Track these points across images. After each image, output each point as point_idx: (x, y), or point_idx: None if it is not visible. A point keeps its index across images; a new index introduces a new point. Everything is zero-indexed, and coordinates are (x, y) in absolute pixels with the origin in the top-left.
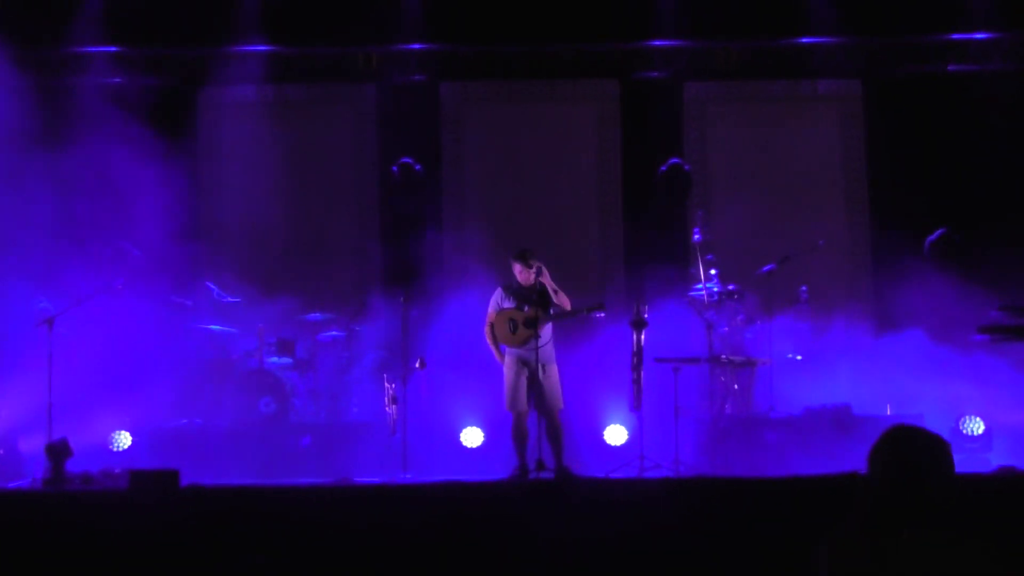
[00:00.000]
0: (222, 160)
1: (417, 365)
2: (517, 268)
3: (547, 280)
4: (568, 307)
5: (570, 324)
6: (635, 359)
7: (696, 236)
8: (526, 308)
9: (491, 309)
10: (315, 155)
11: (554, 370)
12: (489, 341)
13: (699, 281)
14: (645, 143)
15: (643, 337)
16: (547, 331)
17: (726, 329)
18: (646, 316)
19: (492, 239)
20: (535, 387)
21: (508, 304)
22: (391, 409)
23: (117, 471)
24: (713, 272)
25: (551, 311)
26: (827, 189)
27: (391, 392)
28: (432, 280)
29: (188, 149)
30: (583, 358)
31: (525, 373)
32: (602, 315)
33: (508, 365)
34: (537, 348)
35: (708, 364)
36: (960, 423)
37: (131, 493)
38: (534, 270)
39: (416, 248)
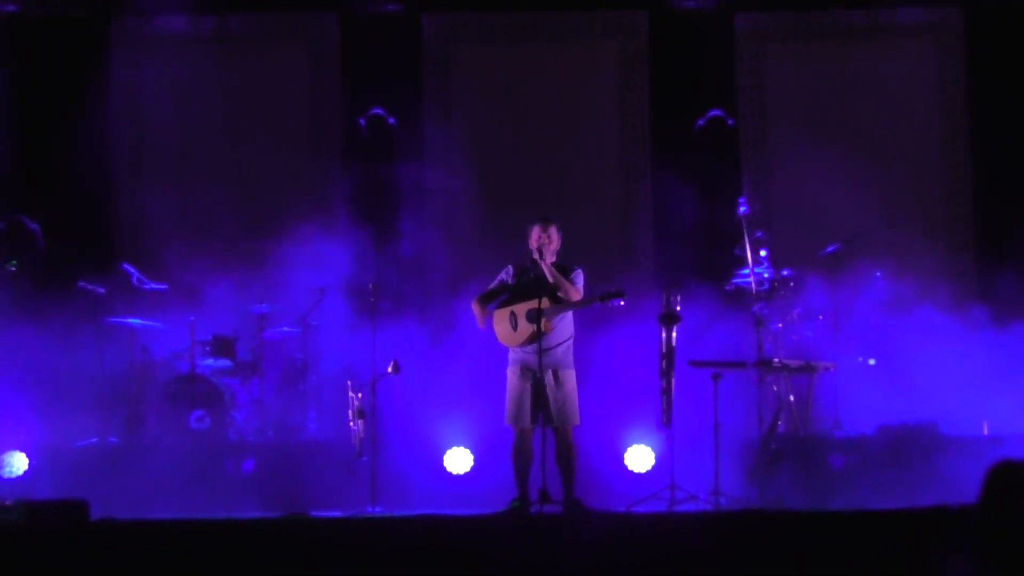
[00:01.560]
0: (142, 109)
1: (389, 369)
2: (535, 235)
3: (547, 266)
4: (575, 297)
5: (583, 318)
6: (664, 363)
7: (743, 208)
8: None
9: (495, 285)
10: (262, 104)
11: (570, 377)
12: (475, 309)
13: (746, 265)
14: (681, 90)
15: (675, 335)
16: (562, 327)
17: (780, 325)
18: (679, 309)
19: (487, 211)
20: (544, 397)
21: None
22: (357, 425)
23: (8, 502)
24: (764, 253)
25: (559, 302)
26: (915, 147)
27: (357, 403)
28: (410, 264)
29: (99, 95)
30: (599, 361)
31: (530, 381)
32: (621, 304)
33: (511, 370)
34: (542, 350)
35: (757, 370)
36: None
37: (27, 529)
38: (546, 237)
39: (390, 223)
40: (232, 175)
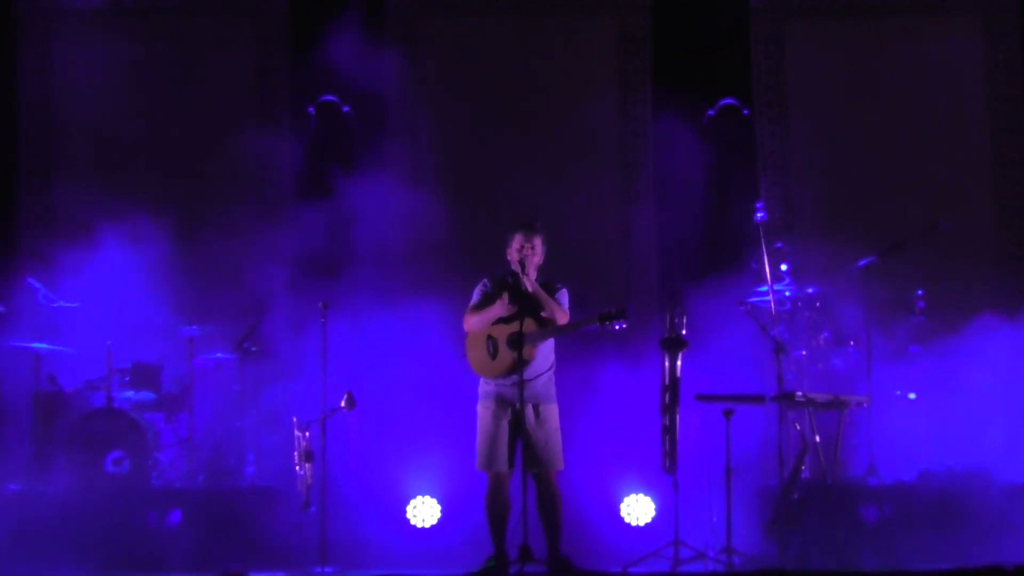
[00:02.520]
0: (54, 93)
1: (343, 404)
2: (516, 244)
3: (530, 282)
4: (561, 321)
5: (569, 344)
6: (667, 397)
7: (760, 214)
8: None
9: (473, 300)
10: (197, 89)
11: (553, 413)
12: (474, 317)
13: (764, 281)
14: (688, 74)
15: (680, 364)
16: (543, 356)
17: (804, 353)
18: (684, 332)
19: (460, 215)
20: (522, 437)
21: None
22: (304, 469)
23: None
24: (785, 267)
25: (544, 326)
26: (962, 142)
27: (304, 444)
28: (367, 276)
29: (4, 78)
30: (590, 395)
31: (507, 417)
32: (622, 327)
33: (484, 406)
34: (523, 381)
35: (777, 405)
36: None
37: None
38: (530, 248)
39: (344, 228)
40: (160, 168)
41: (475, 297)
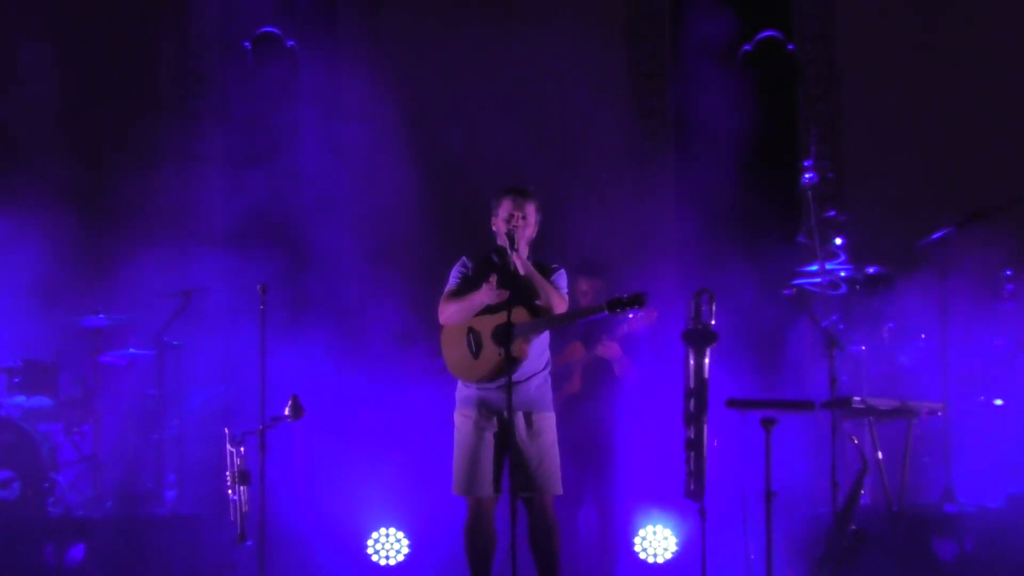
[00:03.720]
0: None
1: (287, 412)
2: (503, 211)
3: (521, 260)
4: (560, 308)
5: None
6: (692, 403)
7: (809, 176)
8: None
9: (450, 284)
10: (94, 20)
11: (548, 424)
12: (452, 305)
13: (814, 258)
14: (717, 3)
15: (708, 362)
16: (537, 352)
17: (863, 348)
18: (713, 323)
19: (431, 183)
20: (511, 454)
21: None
22: (238, 493)
23: None
24: (839, 242)
25: (538, 315)
26: None
27: (239, 462)
28: (319, 253)
29: None
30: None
31: (492, 430)
32: (636, 316)
33: (463, 415)
34: (512, 384)
35: (829, 413)
36: None
37: None
38: (521, 217)
39: (289, 192)
40: (52, 117)
41: (452, 280)
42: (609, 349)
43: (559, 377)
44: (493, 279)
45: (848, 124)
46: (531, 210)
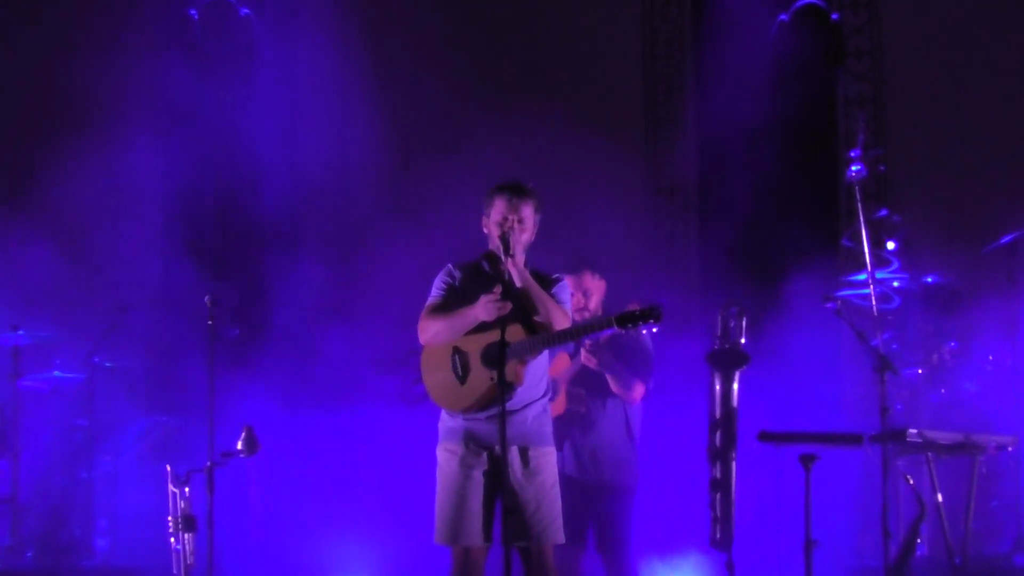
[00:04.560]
0: None
1: (240, 446)
2: (497, 212)
3: (516, 268)
4: (561, 325)
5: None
6: (718, 436)
7: (856, 168)
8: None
9: (434, 296)
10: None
11: (548, 461)
12: (437, 322)
13: (862, 265)
14: None
15: (736, 387)
16: (535, 377)
17: (920, 371)
18: (743, 341)
19: (409, 176)
20: (503, 496)
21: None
22: (182, 541)
23: None
24: (892, 246)
25: (536, 332)
26: None
27: (183, 505)
28: (275, 263)
29: None
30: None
31: (481, 468)
32: (652, 331)
33: (447, 450)
34: (506, 414)
35: (880, 447)
36: None
37: None
38: (517, 219)
39: (239, 189)
40: None
41: (435, 292)
42: (587, 358)
43: None
44: (498, 290)
45: (905, 104)
46: (528, 211)
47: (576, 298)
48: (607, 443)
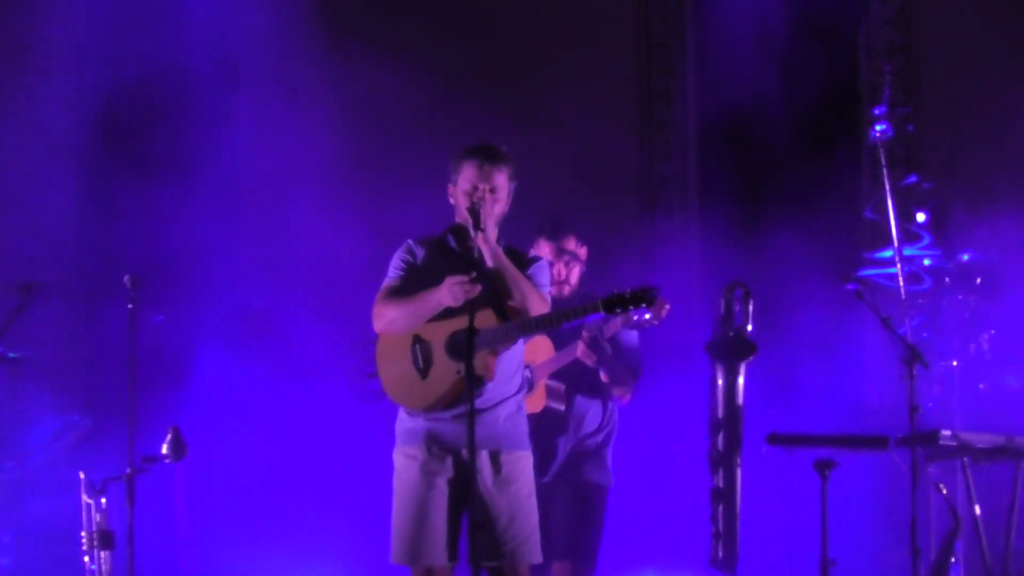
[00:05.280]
0: None
1: (165, 450)
2: (466, 178)
3: (488, 245)
4: (539, 311)
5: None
6: (720, 438)
7: (881, 129)
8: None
9: (391, 277)
10: None
11: (523, 467)
12: (395, 307)
13: (888, 241)
14: None
15: (742, 382)
16: (508, 370)
17: (955, 364)
18: (750, 329)
19: (359, 147)
20: (471, 509)
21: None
22: (97, 560)
23: None
24: (923, 218)
25: (509, 318)
26: None
27: (98, 518)
28: (210, 233)
29: None
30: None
31: (446, 475)
32: (644, 319)
33: (406, 455)
34: (475, 412)
35: (907, 452)
36: None
37: None
38: (488, 188)
39: (166, 160)
40: None
41: (393, 272)
42: (585, 353)
43: None
44: (473, 276)
45: (936, 52)
46: (502, 178)
47: (556, 268)
48: (590, 446)
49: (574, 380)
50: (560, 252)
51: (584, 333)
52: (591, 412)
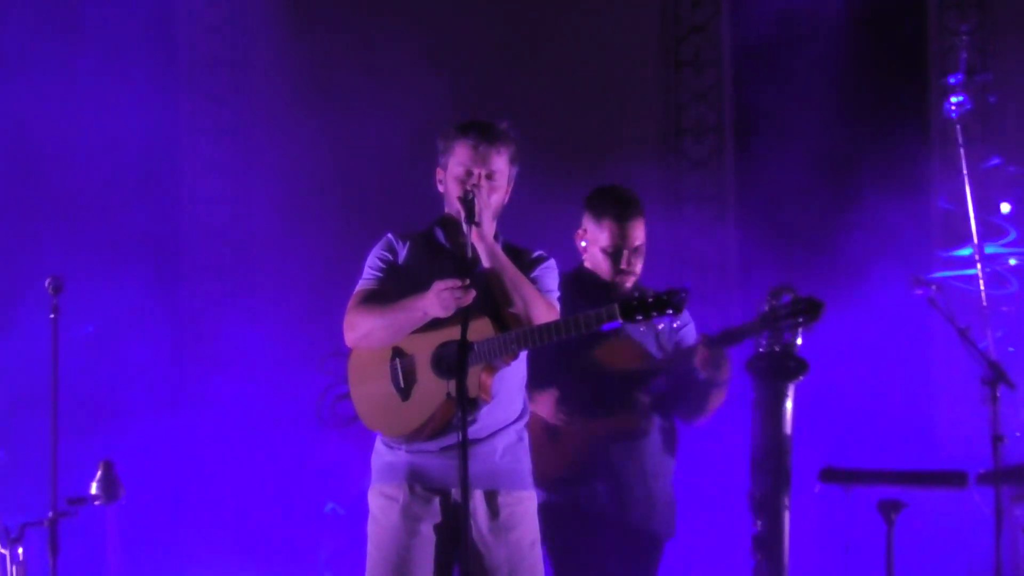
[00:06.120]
0: None
1: (93, 490)
2: (460, 159)
3: (484, 241)
4: (545, 320)
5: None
6: (764, 473)
7: (957, 101)
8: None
9: (368, 279)
10: None
11: (525, 510)
12: (371, 315)
13: (964, 238)
14: None
15: (790, 406)
16: (508, 393)
17: None
18: (799, 343)
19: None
20: (461, 559)
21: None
22: None
23: None
24: (1007, 208)
25: (509, 329)
26: None
27: (14, 569)
28: (149, 227)
29: None
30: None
31: (432, 520)
32: (664, 327)
33: (383, 495)
34: (467, 444)
35: (990, 490)
36: None
37: None
38: (485, 171)
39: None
40: None
41: (369, 274)
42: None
43: None
44: (466, 281)
45: (1005, 15)
46: (501, 162)
47: (624, 256)
48: (660, 472)
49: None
50: (624, 237)
51: (702, 336)
52: (659, 428)
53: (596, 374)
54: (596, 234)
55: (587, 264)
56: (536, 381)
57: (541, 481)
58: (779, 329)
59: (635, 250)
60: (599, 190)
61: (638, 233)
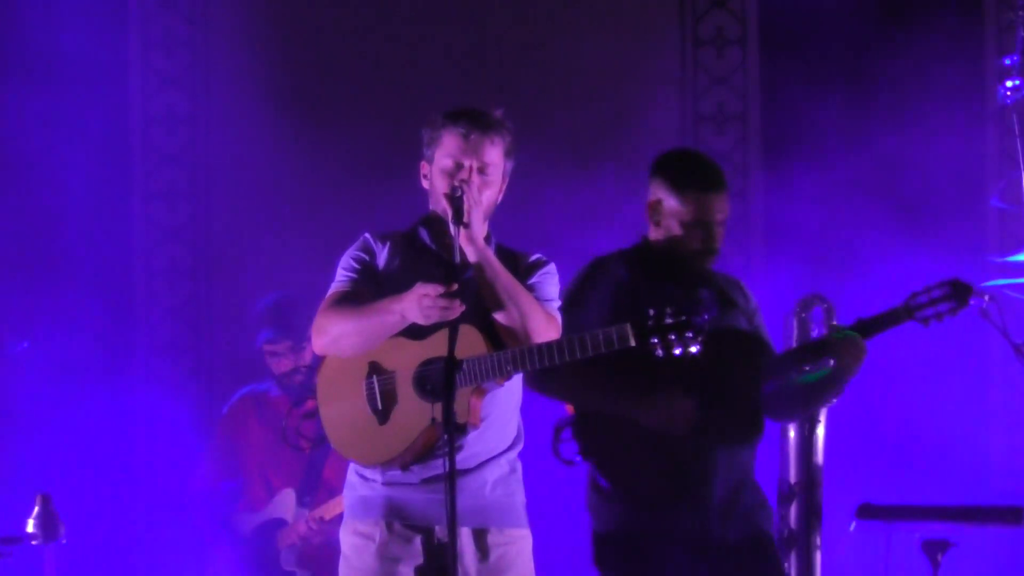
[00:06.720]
0: None
1: (30, 528)
2: (448, 150)
3: (473, 244)
4: (545, 334)
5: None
6: (793, 508)
7: (1014, 85)
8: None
9: (341, 281)
10: None
11: (519, 550)
12: (344, 320)
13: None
14: None
15: (821, 432)
16: (501, 416)
17: None
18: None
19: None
20: None
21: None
22: None
23: None
24: None
25: (502, 344)
26: None
27: None
28: (98, 228)
29: None
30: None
31: (412, 561)
32: (694, 352)
33: (357, 536)
34: (455, 475)
35: None
36: None
37: None
38: (478, 164)
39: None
40: None
41: (343, 275)
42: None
43: None
44: (452, 287)
45: None
46: (495, 154)
47: (713, 232)
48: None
49: None
50: (714, 210)
51: (845, 325)
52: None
53: (717, 375)
54: (676, 206)
55: (655, 238)
56: (630, 384)
57: (633, 501)
58: (924, 318)
59: (721, 224)
60: (679, 155)
61: (725, 205)
